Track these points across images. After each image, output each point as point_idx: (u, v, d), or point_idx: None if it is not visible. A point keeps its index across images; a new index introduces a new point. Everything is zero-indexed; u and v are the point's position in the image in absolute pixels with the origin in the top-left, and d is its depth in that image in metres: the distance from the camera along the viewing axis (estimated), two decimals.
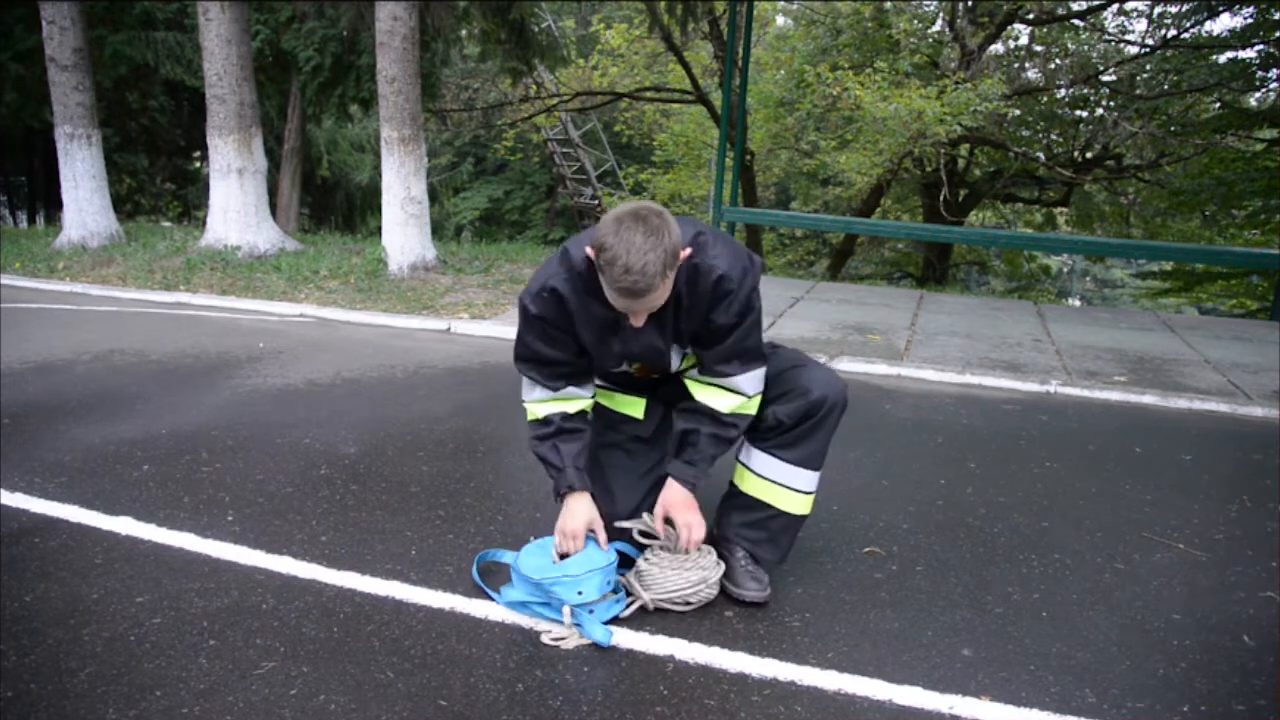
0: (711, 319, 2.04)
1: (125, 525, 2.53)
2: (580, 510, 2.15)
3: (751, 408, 2.14)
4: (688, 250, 1.95)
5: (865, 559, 2.49)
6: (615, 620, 2.10)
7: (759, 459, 2.19)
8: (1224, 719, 1.84)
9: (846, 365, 4.85)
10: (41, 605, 2.09)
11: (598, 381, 2.36)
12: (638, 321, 1.97)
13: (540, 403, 2.19)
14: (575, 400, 2.20)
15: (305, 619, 2.07)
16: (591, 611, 2.04)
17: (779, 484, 2.17)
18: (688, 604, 2.15)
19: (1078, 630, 2.15)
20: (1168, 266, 16.33)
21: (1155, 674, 1.98)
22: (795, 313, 6.27)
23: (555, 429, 2.18)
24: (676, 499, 2.16)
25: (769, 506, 2.19)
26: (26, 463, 2.98)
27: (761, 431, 2.18)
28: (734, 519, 2.26)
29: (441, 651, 1.96)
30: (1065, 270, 27.02)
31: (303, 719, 1.72)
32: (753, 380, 2.10)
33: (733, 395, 2.11)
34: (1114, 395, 4.46)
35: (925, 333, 5.77)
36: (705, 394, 2.14)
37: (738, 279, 2.00)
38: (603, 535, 2.16)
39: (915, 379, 4.70)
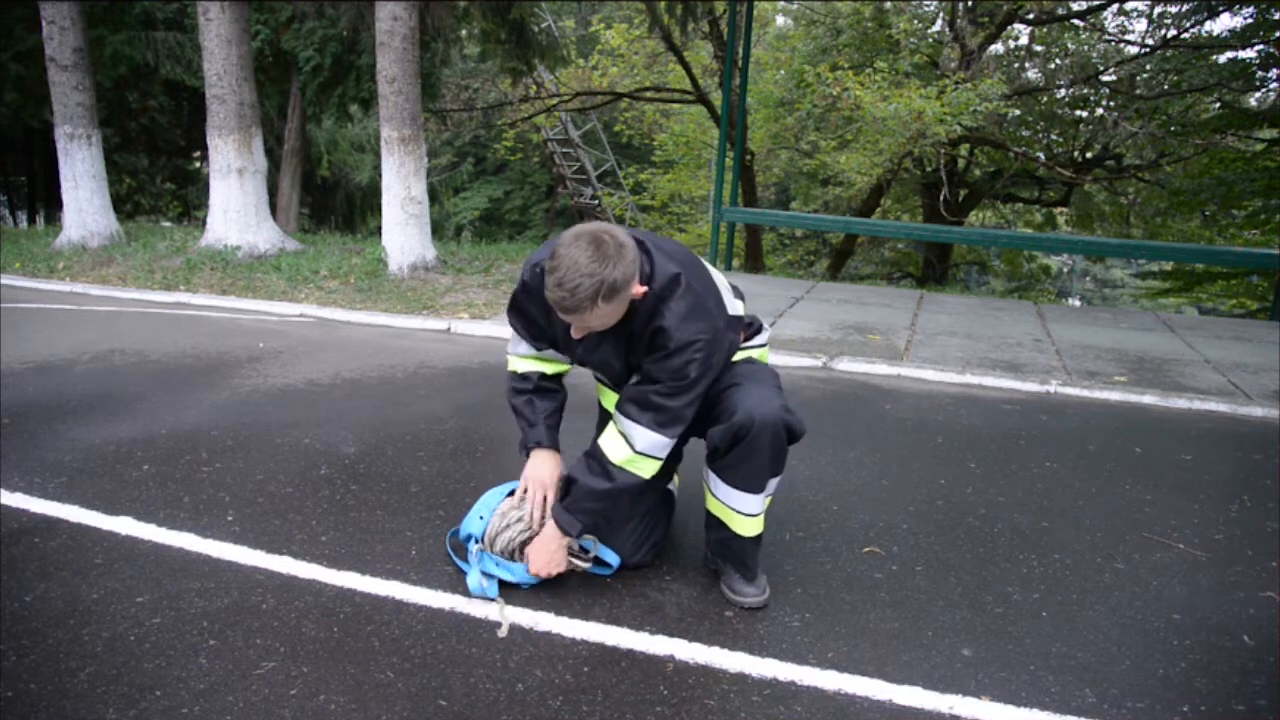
0: (645, 364, 2.03)
1: (125, 525, 2.53)
2: (548, 463, 2.25)
3: (638, 466, 2.04)
4: (642, 289, 1.93)
5: (865, 559, 2.49)
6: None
7: (713, 480, 2.18)
8: (1224, 719, 1.84)
9: (846, 365, 4.86)
10: (41, 605, 2.09)
11: (597, 376, 2.40)
12: (575, 334, 2.02)
13: (523, 358, 2.30)
14: (555, 363, 2.31)
15: (305, 619, 2.07)
16: (498, 564, 2.19)
17: (729, 506, 2.15)
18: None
19: (1078, 630, 2.15)
20: (1168, 266, 16.33)
21: (1155, 674, 1.98)
22: (795, 313, 6.27)
23: (534, 386, 2.30)
24: (540, 545, 2.16)
25: (727, 527, 2.18)
26: (26, 463, 2.98)
27: (709, 454, 2.15)
28: (710, 535, 2.27)
29: (441, 651, 1.96)
30: (1065, 270, 27.03)
31: (303, 719, 1.72)
32: (646, 439, 2.00)
33: (625, 445, 2.03)
34: (1114, 395, 4.45)
35: (925, 333, 5.77)
36: (606, 435, 2.09)
37: (679, 341, 1.93)
38: (554, 495, 2.25)
39: (915, 379, 4.70)
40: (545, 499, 2.25)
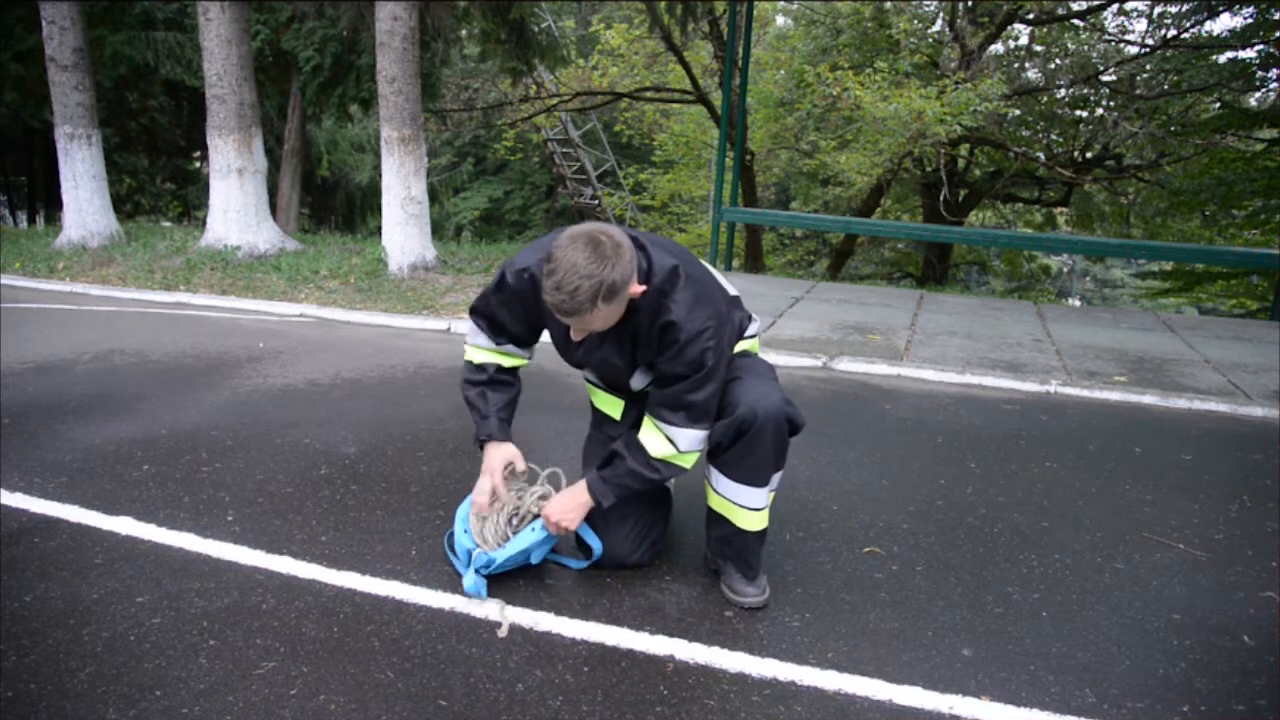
0: (659, 363, 2.05)
1: (125, 525, 2.53)
2: (496, 456, 2.24)
3: (683, 461, 2.10)
4: (640, 287, 1.95)
5: (865, 559, 2.49)
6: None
7: (715, 476, 2.19)
8: (1224, 719, 1.84)
9: (846, 365, 4.86)
10: (41, 605, 2.09)
11: (587, 376, 2.43)
12: (576, 336, 2.04)
13: (481, 349, 2.30)
14: (513, 357, 2.32)
15: (305, 619, 2.07)
16: (508, 558, 2.20)
17: (732, 501, 2.16)
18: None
19: (1078, 630, 2.15)
20: (1168, 266, 16.34)
21: (1155, 674, 1.98)
22: (795, 313, 6.27)
23: (488, 378, 2.30)
24: (565, 499, 2.19)
25: (730, 523, 2.19)
26: (26, 463, 2.98)
27: (710, 450, 2.17)
28: (712, 533, 2.28)
29: (441, 651, 1.96)
30: (1065, 270, 27.03)
31: (303, 719, 1.72)
32: (688, 438, 2.06)
33: (668, 443, 2.07)
34: (1114, 395, 4.45)
35: (925, 333, 5.77)
36: (645, 431, 2.12)
37: (689, 332, 1.96)
38: (521, 465, 2.26)
39: (915, 379, 4.70)
40: (494, 488, 2.24)
